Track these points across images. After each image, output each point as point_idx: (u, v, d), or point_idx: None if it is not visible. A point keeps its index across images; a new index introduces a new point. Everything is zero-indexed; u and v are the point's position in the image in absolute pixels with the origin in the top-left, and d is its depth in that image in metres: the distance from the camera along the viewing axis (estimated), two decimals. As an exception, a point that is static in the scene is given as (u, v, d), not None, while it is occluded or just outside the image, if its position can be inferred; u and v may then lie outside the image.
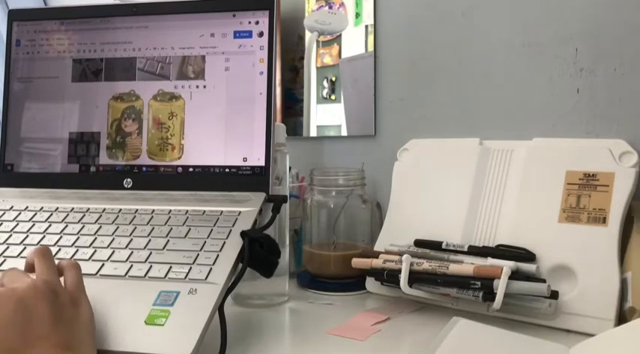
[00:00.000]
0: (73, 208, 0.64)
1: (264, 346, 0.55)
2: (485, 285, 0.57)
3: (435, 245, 0.66)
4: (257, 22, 0.67)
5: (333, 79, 0.89)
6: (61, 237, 0.59)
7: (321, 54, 0.90)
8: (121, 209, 0.63)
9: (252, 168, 0.65)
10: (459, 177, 0.70)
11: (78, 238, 0.59)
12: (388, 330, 0.59)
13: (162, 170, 0.67)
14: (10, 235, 0.60)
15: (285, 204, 0.65)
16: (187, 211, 0.62)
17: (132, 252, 0.56)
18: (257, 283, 0.67)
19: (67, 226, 0.61)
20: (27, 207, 0.65)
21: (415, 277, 0.62)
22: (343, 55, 0.88)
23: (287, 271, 0.70)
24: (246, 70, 0.66)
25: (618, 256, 0.58)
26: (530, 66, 0.73)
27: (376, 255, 0.67)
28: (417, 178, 0.74)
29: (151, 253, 0.56)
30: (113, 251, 0.56)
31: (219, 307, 0.50)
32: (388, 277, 0.64)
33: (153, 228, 0.60)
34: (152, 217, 0.61)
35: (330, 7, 0.89)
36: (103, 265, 0.54)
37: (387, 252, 0.67)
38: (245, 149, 0.65)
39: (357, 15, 0.87)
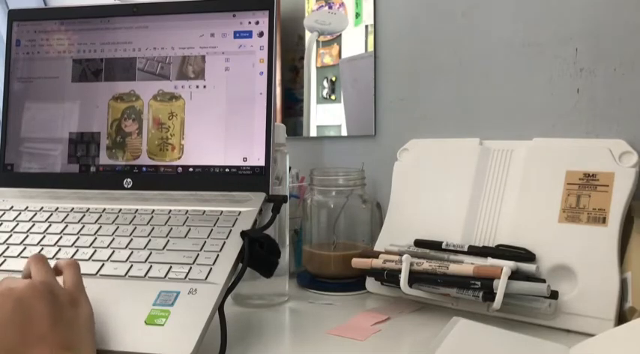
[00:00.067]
0: (73, 208, 0.64)
1: (264, 346, 0.55)
2: (485, 285, 0.57)
3: (435, 245, 0.66)
4: (257, 22, 0.67)
5: (333, 79, 0.89)
6: (61, 237, 0.59)
7: (321, 54, 0.90)
8: (121, 209, 0.63)
9: (252, 168, 0.65)
10: (459, 177, 0.70)
11: (78, 238, 0.59)
12: (388, 330, 0.59)
13: (162, 170, 0.67)
14: (10, 235, 0.60)
15: (285, 204, 0.65)
16: (187, 211, 0.62)
17: (132, 252, 0.56)
18: (257, 283, 0.67)
19: (67, 226, 0.61)
20: (27, 207, 0.65)
21: (415, 277, 0.62)
22: (343, 55, 0.88)
23: (287, 271, 0.70)
24: (246, 70, 0.66)
25: (618, 256, 0.58)
26: (530, 66, 0.73)
27: (376, 255, 0.67)
28: (417, 178, 0.74)
29: (151, 253, 0.56)
30: (113, 251, 0.56)
31: (219, 307, 0.50)
32: (388, 277, 0.64)
33: (153, 228, 0.60)
34: (152, 217, 0.61)
35: (330, 7, 0.89)
36: (103, 265, 0.55)
37: (387, 252, 0.67)
38: (245, 149, 0.65)
39: (357, 15, 0.87)
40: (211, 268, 0.53)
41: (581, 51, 0.70)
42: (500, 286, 0.56)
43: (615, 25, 0.68)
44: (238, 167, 0.65)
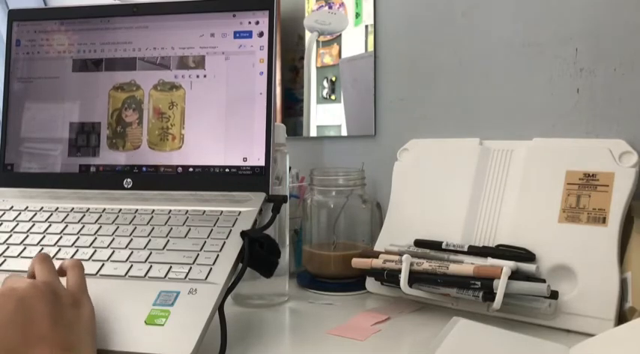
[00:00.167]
0: (73, 208, 0.64)
1: (264, 346, 0.55)
2: (485, 285, 0.57)
3: (435, 245, 0.66)
4: (257, 22, 0.67)
5: (333, 79, 0.89)
6: (61, 237, 0.59)
7: (321, 54, 0.90)
8: (121, 209, 0.63)
9: (252, 168, 0.65)
10: (459, 177, 0.70)
11: (78, 238, 0.59)
12: (388, 330, 0.59)
13: (162, 170, 0.67)
14: (10, 235, 0.60)
15: (285, 204, 0.65)
16: (187, 211, 0.62)
17: (132, 252, 0.56)
18: (257, 283, 0.67)
19: (67, 226, 0.61)
20: (27, 207, 0.65)
21: (415, 277, 0.62)
22: (343, 55, 0.88)
23: (287, 271, 0.70)
24: (246, 70, 0.66)
25: (618, 256, 0.58)
26: (530, 66, 0.73)
27: (376, 255, 0.67)
28: (417, 178, 0.74)
29: (151, 253, 0.56)
30: (113, 251, 0.56)
31: (219, 307, 0.50)
32: (388, 277, 0.64)
33: (153, 228, 0.60)
34: (152, 217, 0.61)
35: (330, 7, 0.89)
36: (103, 265, 0.55)
37: (387, 252, 0.67)
38: (245, 149, 0.65)
39: (357, 15, 0.87)
40: (211, 268, 0.53)
41: (581, 51, 0.70)
42: (500, 286, 0.56)
43: (615, 25, 0.68)
44: (238, 167, 0.65)
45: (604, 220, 0.60)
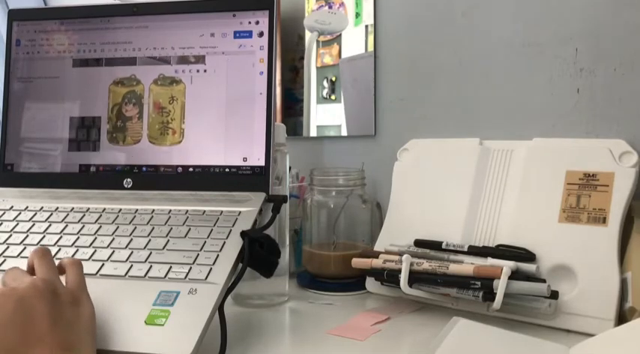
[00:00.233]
0: (73, 208, 0.64)
1: (264, 346, 0.55)
2: (485, 285, 0.57)
3: (435, 245, 0.66)
4: (257, 22, 0.67)
5: (333, 79, 0.89)
6: (61, 237, 0.59)
7: (321, 54, 0.90)
8: (121, 209, 0.63)
9: (252, 168, 0.65)
10: (459, 177, 0.70)
11: (78, 238, 0.59)
12: (388, 330, 0.59)
13: (162, 170, 0.67)
14: (10, 235, 0.60)
15: (285, 204, 0.65)
16: (187, 211, 0.62)
17: (132, 252, 0.56)
18: (257, 283, 0.67)
19: (67, 226, 0.61)
20: (27, 207, 0.65)
21: (415, 277, 0.62)
22: (343, 55, 0.88)
23: (287, 271, 0.70)
24: (246, 70, 0.66)
25: (618, 256, 0.58)
26: (530, 66, 0.73)
27: (376, 255, 0.67)
28: (417, 178, 0.74)
29: (150, 253, 0.56)
30: (113, 251, 0.56)
31: (219, 307, 0.50)
32: (388, 277, 0.64)
33: (153, 228, 0.60)
34: (152, 217, 0.61)
35: (330, 7, 0.89)
36: (103, 265, 0.55)
37: (387, 252, 0.67)
38: (245, 149, 0.65)
39: (357, 15, 0.87)
40: (211, 268, 0.53)
41: (581, 51, 0.70)
42: (500, 286, 0.56)
43: (615, 25, 0.68)
44: (238, 167, 0.65)
45: (604, 220, 0.60)
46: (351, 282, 0.73)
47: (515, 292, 0.56)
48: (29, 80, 0.72)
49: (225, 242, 0.56)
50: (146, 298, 0.50)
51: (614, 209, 0.60)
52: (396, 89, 0.84)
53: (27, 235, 0.60)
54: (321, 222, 0.77)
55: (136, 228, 0.60)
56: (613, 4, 0.68)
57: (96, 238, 0.59)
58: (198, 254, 0.55)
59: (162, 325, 0.47)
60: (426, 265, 0.62)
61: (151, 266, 0.54)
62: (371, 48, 0.86)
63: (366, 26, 0.86)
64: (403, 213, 0.74)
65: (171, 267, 0.54)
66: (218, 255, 0.55)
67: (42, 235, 0.60)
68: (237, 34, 0.67)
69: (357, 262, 0.68)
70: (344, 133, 0.89)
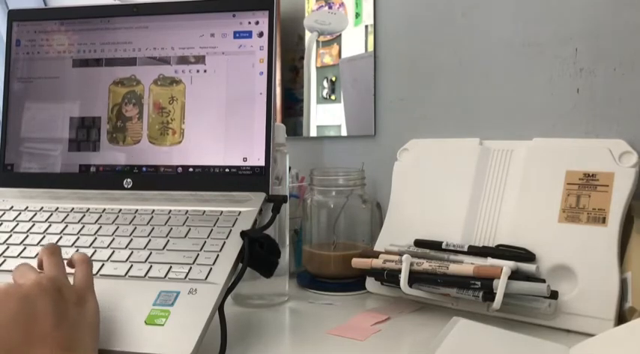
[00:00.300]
0: (73, 208, 0.64)
1: (264, 346, 0.55)
2: (485, 285, 0.57)
3: (435, 245, 0.66)
4: (257, 22, 0.67)
5: (333, 79, 0.89)
6: (61, 237, 0.59)
7: (321, 54, 0.90)
8: (121, 209, 0.63)
9: (252, 168, 0.65)
10: (459, 177, 0.70)
11: (78, 238, 0.59)
12: (388, 330, 0.59)
13: (162, 170, 0.67)
14: (10, 235, 0.60)
15: (285, 204, 0.65)
16: (187, 211, 0.62)
17: (132, 252, 0.56)
18: (257, 283, 0.67)
19: (67, 226, 0.61)
20: (27, 207, 0.65)
21: (415, 277, 0.62)
22: (343, 55, 0.88)
23: (287, 271, 0.70)
24: (246, 70, 0.66)
25: (618, 256, 0.58)
26: (530, 66, 0.73)
27: (376, 255, 0.67)
28: (417, 178, 0.74)
29: (151, 253, 0.56)
30: (113, 251, 0.56)
31: (219, 307, 0.50)
32: (388, 277, 0.64)
33: (153, 228, 0.60)
34: (152, 217, 0.61)
35: (330, 7, 0.89)
36: (103, 265, 0.55)
37: (387, 252, 0.67)
38: (245, 149, 0.65)
39: (357, 15, 0.87)
40: (211, 268, 0.53)
41: (581, 51, 0.70)
42: (500, 286, 0.56)
43: (615, 25, 0.68)
44: (238, 167, 0.65)
45: (604, 220, 0.60)
46: (351, 282, 0.73)
47: (515, 292, 0.56)
48: (29, 80, 0.72)
49: (225, 242, 0.56)
50: (146, 298, 0.50)
51: (613, 209, 0.60)
52: (396, 89, 0.84)
53: (27, 236, 0.60)
54: (321, 222, 0.77)
55: (136, 228, 0.60)
56: (613, 4, 0.68)
57: (96, 238, 0.59)
58: (198, 254, 0.55)
59: (163, 325, 0.47)
60: (426, 265, 0.62)
61: (151, 266, 0.54)
62: (371, 48, 0.86)
63: (366, 26, 0.86)
64: (403, 213, 0.74)
65: (171, 267, 0.54)
66: (218, 255, 0.55)
67: (42, 236, 0.60)
68: (237, 35, 0.67)
69: (357, 262, 0.68)
70: (344, 133, 0.89)
